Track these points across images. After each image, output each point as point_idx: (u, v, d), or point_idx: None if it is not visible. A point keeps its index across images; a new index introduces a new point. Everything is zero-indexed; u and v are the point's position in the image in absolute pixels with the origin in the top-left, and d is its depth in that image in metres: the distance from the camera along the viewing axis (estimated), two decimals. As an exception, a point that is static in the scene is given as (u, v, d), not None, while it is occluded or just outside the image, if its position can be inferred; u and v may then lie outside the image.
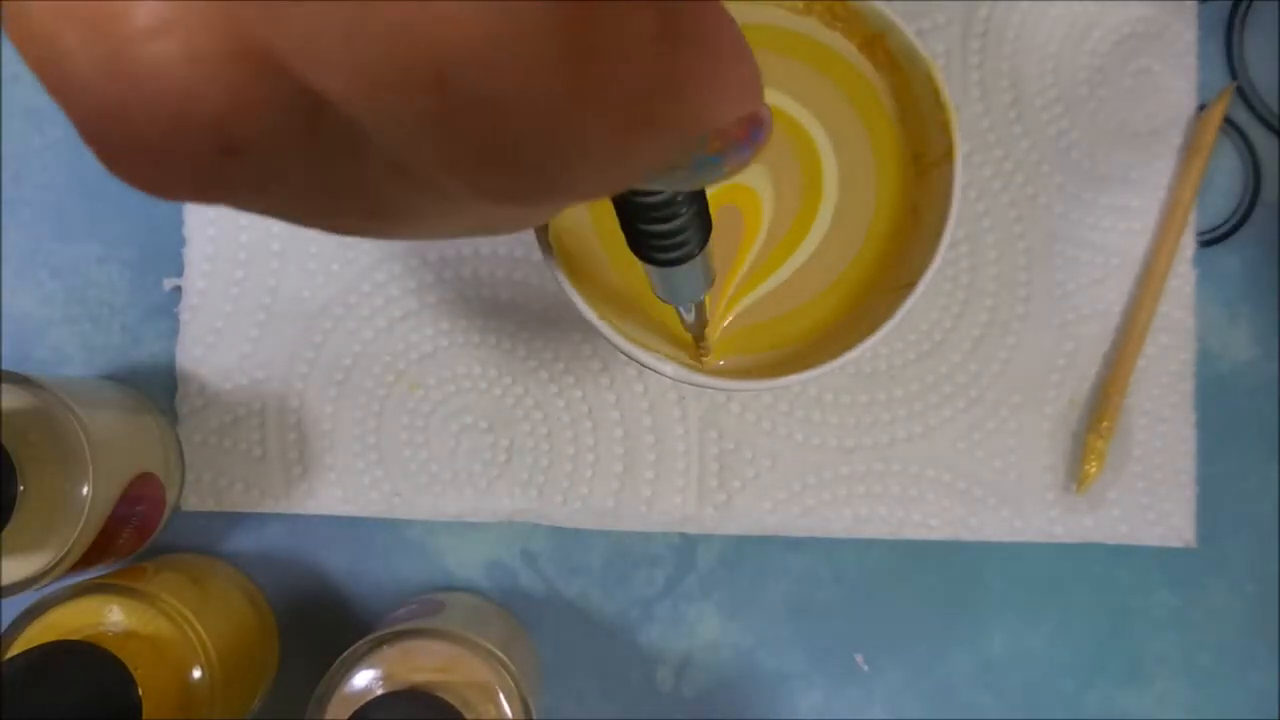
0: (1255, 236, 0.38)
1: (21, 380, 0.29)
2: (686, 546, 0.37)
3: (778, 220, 0.31)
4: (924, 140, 0.31)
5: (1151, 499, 0.37)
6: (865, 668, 0.37)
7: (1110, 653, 0.37)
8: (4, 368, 0.33)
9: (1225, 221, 0.38)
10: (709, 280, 0.24)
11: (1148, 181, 0.38)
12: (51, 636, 0.29)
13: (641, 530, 0.37)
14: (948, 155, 0.30)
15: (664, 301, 0.24)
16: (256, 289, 0.37)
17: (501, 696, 0.29)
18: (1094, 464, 0.36)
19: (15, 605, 0.30)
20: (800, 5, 0.31)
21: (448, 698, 0.28)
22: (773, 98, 0.31)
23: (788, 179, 0.31)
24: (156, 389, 0.37)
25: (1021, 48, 0.38)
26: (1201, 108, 0.38)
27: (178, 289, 0.37)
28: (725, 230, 0.30)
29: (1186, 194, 0.37)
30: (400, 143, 0.12)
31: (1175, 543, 0.37)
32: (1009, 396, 0.37)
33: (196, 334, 0.37)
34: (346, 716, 0.27)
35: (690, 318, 0.26)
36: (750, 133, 0.15)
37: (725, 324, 0.31)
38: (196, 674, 0.30)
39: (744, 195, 0.31)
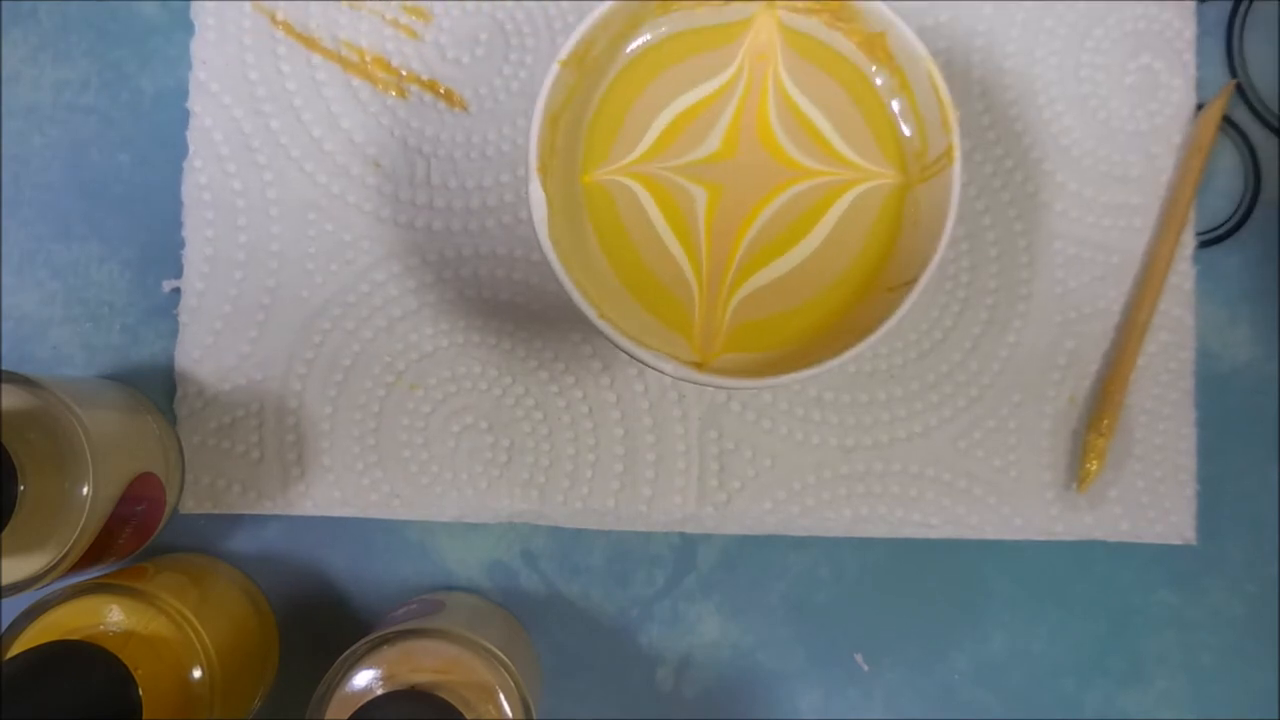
0: (1255, 236, 0.38)
1: (21, 380, 0.29)
2: (686, 546, 0.37)
3: (791, 202, 0.31)
4: (925, 138, 0.31)
5: (1152, 497, 0.37)
6: (865, 668, 0.37)
7: (1110, 652, 0.37)
8: (4, 368, 0.33)
9: (1225, 221, 0.38)
10: None
11: (1148, 179, 0.38)
12: (51, 636, 0.29)
13: (641, 530, 0.37)
14: (948, 153, 0.30)
15: None
16: (255, 290, 0.37)
17: (501, 696, 0.29)
18: (1094, 462, 0.36)
19: (15, 605, 0.30)
20: (802, 6, 0.31)
21: (448, 698, 0.28)
22: (794, 93, 0.31)
23: (808, 165, 0.31)
24: (156, 389, 0.37)
25: (1022, 46, 0.38)
26: (1201, 106, 0.38)
27: (177, 290, 0.37)
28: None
29: (1186, 192, 0.37)
30: None
31: (1175, 541, 0.37)
32: (1009, 395, 0.37)
33: (195, 336, 0.36)
34: (346, 716, 0.27)
35: None
36: None
37: (727, 318, 0.31)
38: (196, 674, 0.30)
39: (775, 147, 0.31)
